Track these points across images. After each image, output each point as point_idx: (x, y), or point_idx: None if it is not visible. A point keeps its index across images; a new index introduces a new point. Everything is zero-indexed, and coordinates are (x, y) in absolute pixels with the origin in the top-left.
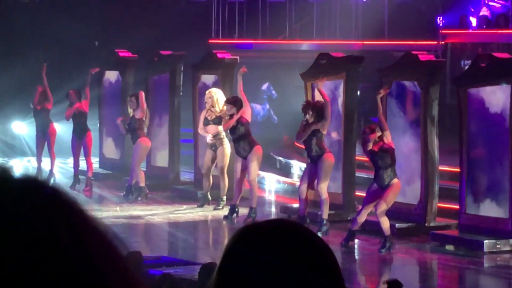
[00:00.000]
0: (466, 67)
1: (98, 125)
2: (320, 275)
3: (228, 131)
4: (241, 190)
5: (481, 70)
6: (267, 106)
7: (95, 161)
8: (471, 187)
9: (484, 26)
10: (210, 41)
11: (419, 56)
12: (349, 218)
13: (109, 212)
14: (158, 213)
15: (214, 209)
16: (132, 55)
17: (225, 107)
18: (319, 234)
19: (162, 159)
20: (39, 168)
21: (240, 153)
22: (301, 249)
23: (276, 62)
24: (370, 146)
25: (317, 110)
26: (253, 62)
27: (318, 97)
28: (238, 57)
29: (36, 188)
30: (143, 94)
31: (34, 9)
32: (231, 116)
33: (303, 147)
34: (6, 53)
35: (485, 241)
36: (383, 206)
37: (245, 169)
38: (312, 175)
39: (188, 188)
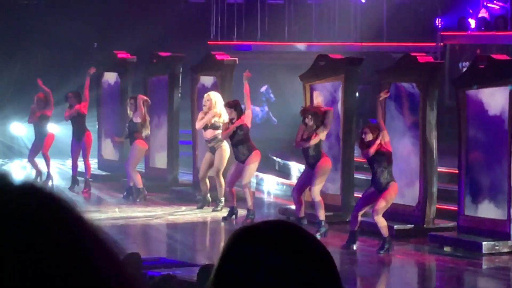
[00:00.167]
0: (464, 69)
1: (97, 126)
2: (318, 276)
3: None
4: (234, 192)
5: (480, 72)
6: (266, 108)
7: (93, 162)
8: (470, 188)
9: (483, 28)
10: (209, 42)
11: (417, 57)
12: (347, 220)
13: (108, 213)
14: (157, 215)
15: (213, 210)
16: (131, 56)
17: (221, 113)
18: (318, 235)
19: (161, 161)
20: (38, 171)
21: (239, 157)
22: (298, 250)
23: (274, 63)
24: (372, 151)
25: (315, 114)
26: (252, 63)
27: (316, 98)
28: (236, 59)
29: (35, 194)
30: (141, 99)
31: (33, 10)
32: (231, 120)
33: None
34: (4, 54)
35: (484, 243)
36: (381, 206)
37: (239, 173)
38: (307, 180)
39: (186, 190)
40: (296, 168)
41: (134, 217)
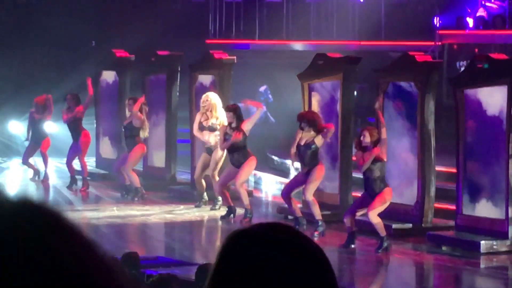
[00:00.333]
0: (462, 68)
1: (95, 125)
2: (313, 277)
3: (226, 141)
4: (226, 193)
5: (478, 71)
6: (264, 109)
7: (91, 161)
8: (468, 188)
9: (481, 27)
10: (207, 41)
11: (416, 57)
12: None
13: (106, 212)
14: (155, 213)
15: (211, 209)
16: (129, 55)
17: (219, 116)
18: (315, 234)
19: (159, 159)
20: (35, 170)
21: (234, 164)
22: (293, 252)
23: (273, 62)
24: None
25: (310, 121)
26: (250, 62)
27: (314, 97)
28: (235, 58)
29: (33, 212)
30: (139, 104)
31: (31, 8)
32: (230, 125)
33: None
34: (2, 53)
35: (482, 242)
36: (375, 207)
37: (232, 175)
38: (297, 183)
39: (184, 188)
40: (294, 167)
41: (132, 216)
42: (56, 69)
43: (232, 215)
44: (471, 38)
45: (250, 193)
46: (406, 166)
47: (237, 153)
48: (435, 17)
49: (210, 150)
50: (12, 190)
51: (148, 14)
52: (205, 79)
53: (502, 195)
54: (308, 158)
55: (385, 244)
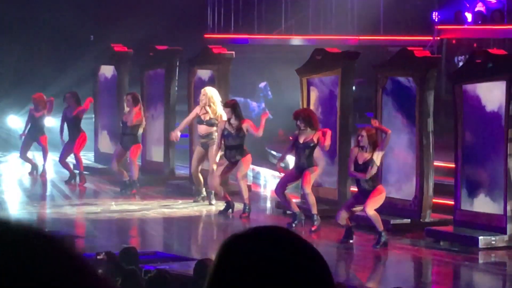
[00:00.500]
0: (460, 63)
1: (93, 119)
2: (310, 280)
3: (224, 136)
4: (221, 189)
5: (477, 66)
6: (263, 105)
7: (90, 155)
8: (466, 183)
9: (480, 22)
10: (205, 36)
11: (414, 52)
12: None
13: (104, 206)
14: (153, 208)
15: (209, 204)
16: (127, 49)
17: (218, 109)
18: (313, 229)
19: (157, 154)
20: (33, 164)
21: (230, 160)
22: (289, 255)
23: (271, 57)
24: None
25: (305, 119)
26: (249, 57)
27: (313, 91)
28: (233, 52)
29: (33, 239)
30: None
31: (30, 2)
32: (229, 120)
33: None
34: (1, 47)
35: (480, 237)
36: (370, 203)
37: (228, 170)
38: (291, 179)
39: (183, 183)
40: (293, 162)
41: (130, 211)
42: (55, 63)
43: (230, 210)
44: (469, 33)
45: (249, 188)
46: (405, 161)
47: (235, 150)
48: (434, 12)
49: (206, 145)
50: (10, 185)
51: (147, 8)
52: (203, 73)
53: (500, 191)
54: (305, 156)
55: (383, 239)
